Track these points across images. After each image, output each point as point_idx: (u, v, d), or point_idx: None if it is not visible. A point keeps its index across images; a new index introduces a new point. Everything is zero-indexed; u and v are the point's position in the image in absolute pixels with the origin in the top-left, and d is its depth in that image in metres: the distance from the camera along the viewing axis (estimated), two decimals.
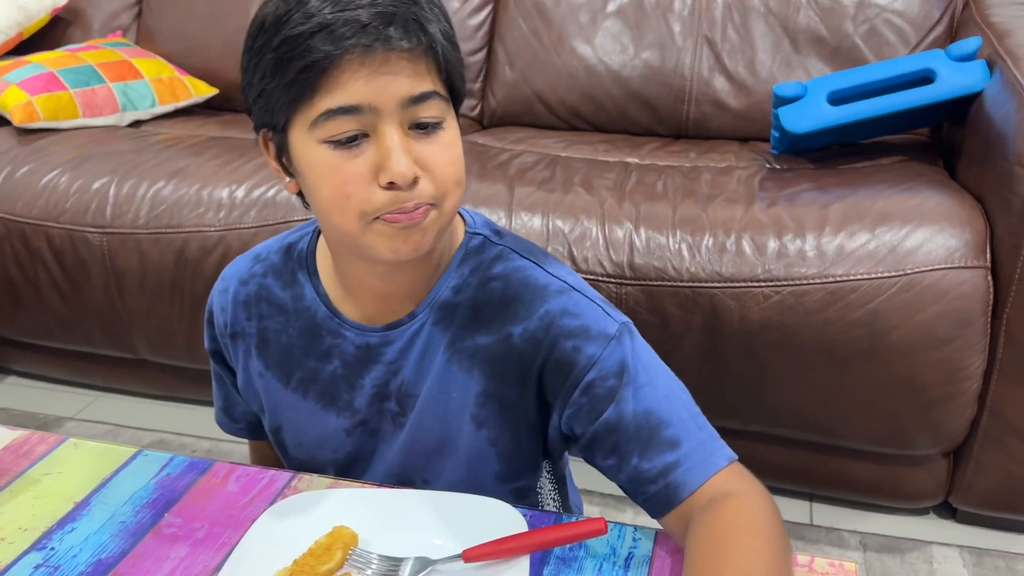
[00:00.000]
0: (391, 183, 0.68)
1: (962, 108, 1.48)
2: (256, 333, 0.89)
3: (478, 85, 2.02)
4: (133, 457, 0.94)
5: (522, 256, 0.82)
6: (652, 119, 1.88)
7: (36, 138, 1.80)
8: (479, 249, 0.82)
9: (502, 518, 0.78)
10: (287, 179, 0.78)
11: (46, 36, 2.21)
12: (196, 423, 1.76)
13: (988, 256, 1.22)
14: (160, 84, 1.99)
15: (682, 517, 0.74)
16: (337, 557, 0.75)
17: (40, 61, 1.93)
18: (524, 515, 0.78)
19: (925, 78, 1.45)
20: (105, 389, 1.88)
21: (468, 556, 0.74)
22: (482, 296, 0.81)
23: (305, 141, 0.71)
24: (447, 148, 0.71)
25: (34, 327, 1.74)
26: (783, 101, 1.51)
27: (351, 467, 0.90)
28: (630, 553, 0.77)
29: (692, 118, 1.86)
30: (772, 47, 1.83)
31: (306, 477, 0.88)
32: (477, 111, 2.03)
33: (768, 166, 1.58)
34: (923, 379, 1.24)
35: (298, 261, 0.87)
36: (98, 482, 0.91)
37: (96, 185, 1.61)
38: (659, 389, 0.77)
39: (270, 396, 0.91)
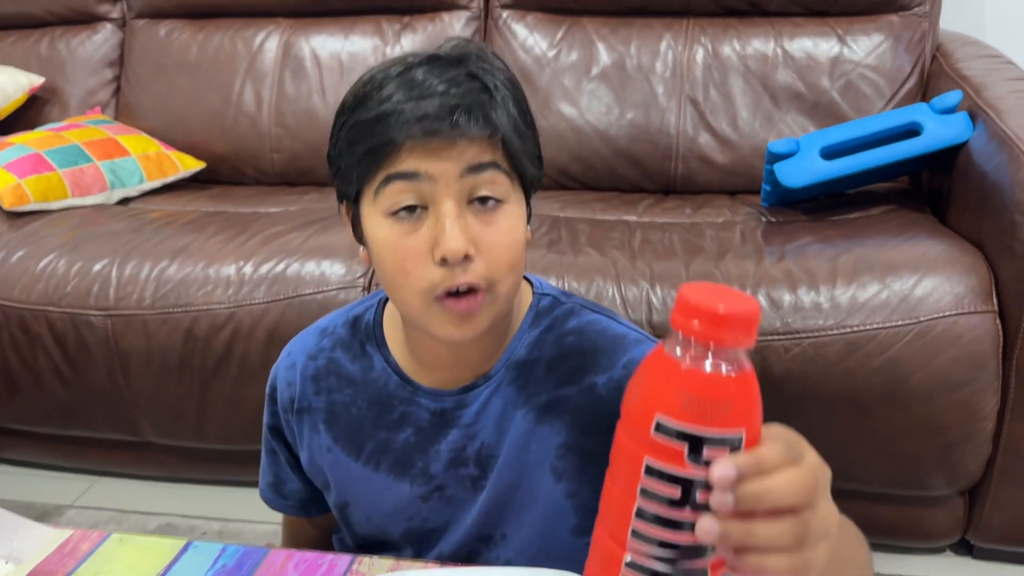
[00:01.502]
0: (443, 259, 0.69)
1: (945, 157, 1.55)
2: (324, 407, 0.89)
3: None
4: (184, 550, 0.92)
5: (593, 311, 0.85)
6: (641, 176, 1.93)
7: (27, 221, 1.77)
8: (550, 308, 0.85)
9: None
10: (361, 250, 0.80)
11: (23, 115, 2.18)
12: (203, 504, 1.72)
13: (995, 300, 1.27)
14: (147, 160, 1.98)
15: None
16: None
17: (24, 142, 1.90)
18: None
19: (911, 131, 1.52)
20: (102, 473, 1.82)
21: None
22: (559, 351, 0.82)
23: (372, 214, 0.73)
24: (504, 231, 0.72)
25: (32, 414, 1.69)
26: (777, 158, 1.57)
27: (427, 535, 0.89)
28: None
29: (680, 174, 1.91)
30: (753, 104, 1.90)
31: (366, 560, 0.87)
32: None
33: (764, 219, 1.63)
34: (941, 422, 1.28)
35: (366, 333, 0.88)
36: None
37: (97, 267, 1.59)
38: None
39: (338, 471, 0.90)
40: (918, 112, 1.53)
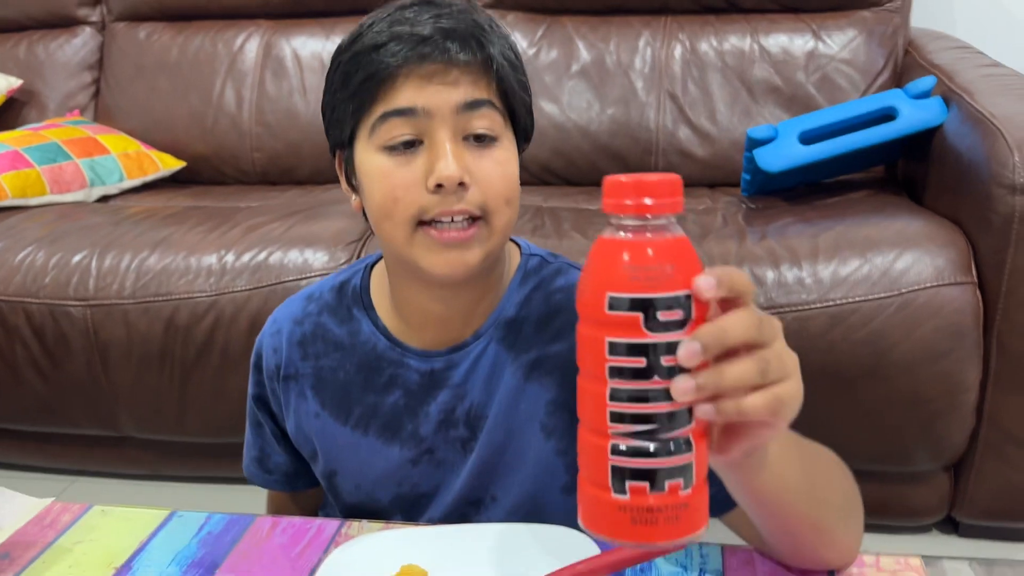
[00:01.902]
0: (439, 185, 0.70)
1: (920, 144, 1.58)
2: (312, 373, 0.88)
3: None
4: (167, 519, 0.91)
5: (579, 270, 0.85)
6: (622, 171, 1.90)
7: (4, 216, 1.76)
8: (538, 268, 0.85)
9: (570, 543, 0.78)
10: (353, 198, 0.81)
11: (1, 117, 2.18)
12: (183, 502, 1.70)
13: (974, 272, 1.29)
14: (127, 159, 1.97)
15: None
16: None
17: (2, 140, 1.89)
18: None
19: (887, 116, 1.55)
20: (80, 473, 1.79)
21: None
22: (547, 309, 0.83)
23: (365, 150, 0.74)
24: (499, 163, 0.73)
25: (9, 411, 1.67)
26: (756, 143, 1.59)
27: (417, 500, 0.88)
28: (701, 569, 0.78)
29: (660, 168, 1.94)
30: (731, 98, 1.93)
31: (355, 524, 0.86)
32: None
33: (745, 206, 1.65)
34: (925, 393, 1.30)
35: (352, 298, 0.88)
36: (135, 547, 0.87)
37: (76, 258, 1.58)
38: None
39: (326, 437, 0.89)
40: (893, 97, 1.56)
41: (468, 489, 0.86)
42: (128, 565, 0.84)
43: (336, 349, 0.87)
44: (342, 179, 0.81)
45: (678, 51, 1.96)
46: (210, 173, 2.12)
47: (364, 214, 0.81)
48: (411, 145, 0.72)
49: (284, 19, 2.14)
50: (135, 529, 0.90)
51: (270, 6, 2.14)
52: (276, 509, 1.05)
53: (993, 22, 2.15)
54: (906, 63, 1.87)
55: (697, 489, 0.48)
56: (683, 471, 0.47)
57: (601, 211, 0.46)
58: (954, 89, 1.52)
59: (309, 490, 1.00)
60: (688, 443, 0.47)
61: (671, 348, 0.45)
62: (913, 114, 1.53)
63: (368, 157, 0.74)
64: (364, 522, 0.87)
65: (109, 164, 1.94)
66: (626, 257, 0.45)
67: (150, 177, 2.01)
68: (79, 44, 2.25)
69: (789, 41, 1.93)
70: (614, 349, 0.45)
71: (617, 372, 0.46)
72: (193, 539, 0.87)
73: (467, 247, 0.73)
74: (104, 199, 1.94)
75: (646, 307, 0.45)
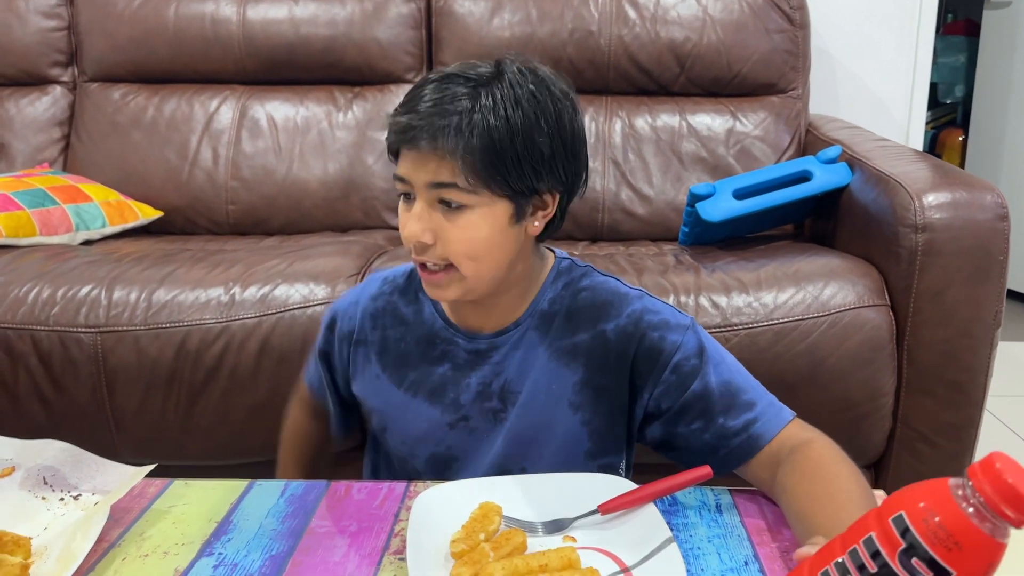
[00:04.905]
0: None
1: (827, 203, 1.90)
2: (378, 341, 1.06)
3: None
4: (249, 487, 1.03)
5: (602, 274, 1.06)
6: (572, 226, 2.19)
7: None
8: (568, 269, 1.06)
9: (614, 484, 0.96)
10: None
11: None
12: None
13: (886, 296, 1.58)
14: (109, 207, 2.07)
15: (763, 463, 0.96)
16: (496, 521, 0.90)
17: None
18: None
19: (803, 177, 1.86)
20: None
21: (604, 509, 0.91)
22: (575, 304, 1.02)
23: None
24: (462, 228, 0.90)
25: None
26: (699, 198, 1.86)
27: (450, 463, 1.05)
28: (717, 503, 0.98)
29: (606, 224, 2.19)
30: (664, 166, 2.22)
31: (420, 484, 1.02)
32: None
33: (687, 251, 1.91)
34: (853, 397, 1.55)
35: (419, 284, 1.06)
36: (228, 507, 0.99)
37: (85, 290, 1.65)
38: (730, 365, 1.02)
39: (382, 396, 1.06)
40: (808, 162, 1.87)
41: (501, 458, 1.03)
42: (227, 519, 0.96)
43: (401, 324, 1.05)
44: None
45: (618, 126, 2.25)
46: (182, 223, 2.23)
47: None
48: (409, 197, 0.92)
49: (258, 85, 2.31)
50: (221, 496, 1.02)
51: (245, 73, 2.30)
52: (294, 420, 1.24)
53: (870, 109, 2.56)
54: (808, 139, 2.21)
55: None
56: None
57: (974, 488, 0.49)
58: (855, 156, 1.84)
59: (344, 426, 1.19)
60: None
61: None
62: (825, 176, 1.84)
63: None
64: (428, 482, 1.03)
65: (93, 211, 2.03)
66: (947, 514, 0.50)
67: (130, 225, 2.10)
68: (49, 102, 2.34)
69: (711, 120, 2.24)
70: (868, 543, 0.53)
71: (854, 555, 0.54)
72: (280, 499, 1.00)
73: (441, 286, 0.94)
74: (87, 243, 2.02)
75: (914, 547, 0.50)
